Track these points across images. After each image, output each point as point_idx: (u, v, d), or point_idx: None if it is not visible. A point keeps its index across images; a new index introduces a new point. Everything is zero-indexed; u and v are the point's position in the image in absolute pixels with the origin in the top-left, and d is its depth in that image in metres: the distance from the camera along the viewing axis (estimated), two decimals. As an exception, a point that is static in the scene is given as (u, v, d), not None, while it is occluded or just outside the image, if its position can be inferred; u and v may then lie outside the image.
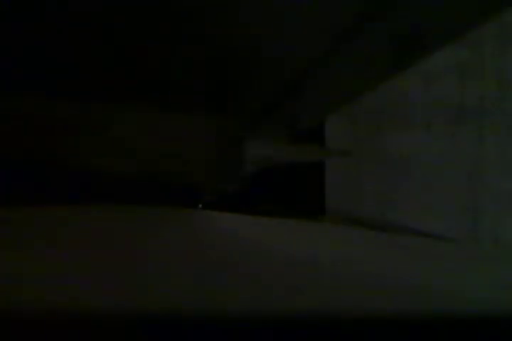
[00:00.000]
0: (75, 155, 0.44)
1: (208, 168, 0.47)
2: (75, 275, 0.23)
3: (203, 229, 0.37)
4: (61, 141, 0.43)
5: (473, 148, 1.35)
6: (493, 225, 1.35)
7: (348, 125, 1.32)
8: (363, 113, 1.33)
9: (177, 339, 0.20)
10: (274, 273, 0.25)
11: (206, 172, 0.47)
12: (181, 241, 0.31)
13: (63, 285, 0.22)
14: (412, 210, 1.33)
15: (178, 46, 0.40)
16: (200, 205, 0.50)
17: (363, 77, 0.49)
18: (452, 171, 1.34)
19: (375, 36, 0.39)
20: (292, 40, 0.40)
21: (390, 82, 0.50)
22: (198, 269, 0.25)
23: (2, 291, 0.20)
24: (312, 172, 1.13)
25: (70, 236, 0.30)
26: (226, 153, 0.48)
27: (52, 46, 0.39)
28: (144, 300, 0.21)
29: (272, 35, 0.39)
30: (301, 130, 0.64)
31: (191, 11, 0.36)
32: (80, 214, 0.36)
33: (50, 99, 0.43)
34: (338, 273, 0.26)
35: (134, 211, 0.38)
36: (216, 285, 0.23)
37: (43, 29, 0.37)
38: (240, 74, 0.45)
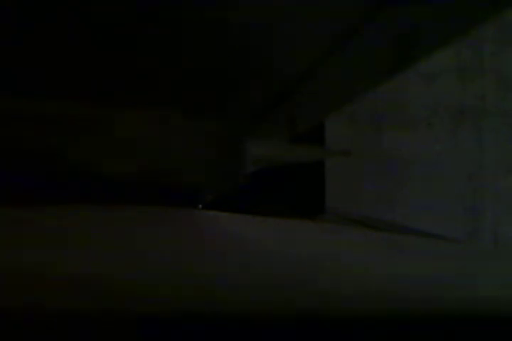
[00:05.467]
0: (74, 155, 0.44)
1: (208, 168, 0.47)
2: (75, 276, 0.23)
3: (203, 229, 0.37)
4: (61, 141, 0.43)
5: (473, 148, 1.35)
6: (493, 225, 1.35)
7: (348, 125, 1.32)
8: (362, 113, 1.33)
9: (177, 340, 0.20)
10: (274, 273, 0.25)
11: (206, 172, 0.47)
12: (181, 241, 0.31)
13: (63, 286, 0.22)
14: (412, 210, 1.33)
15: (178, 46, 0.40)
16: (200, 205, 0.50)
17: (363, 77, 0.49)
18: (452, 171, 1.34)
19: (375, 36, 0.39)
20: (292, 40, 0.40)
21: (390, 82, 0.50)
22: (198, 269, 0.25)
23: (2, 291, 0.21)
24: (312, 172, 1.13)
25: (70, 236, 0.30)
26: (226, 153, 0.48)
27: (52, 46, 0.39)
28: (144, 301, 0.21)
29: (272, 35, 0.39)
30: (301, 130, 0.64)
31: (191, 11, 0.36)
32: (79, 214, 0.36)
33: (50, 99, 0.43)
34: (338, 273, 0.26)
35: (133, 211, 0.38)
36: (216, 285, 0.23)
37: (42, 29, 0.37)
38: (240, 74, 0.45)
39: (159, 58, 0.42)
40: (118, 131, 0.44)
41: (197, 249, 0.29)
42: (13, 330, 0.19)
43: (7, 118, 0.41)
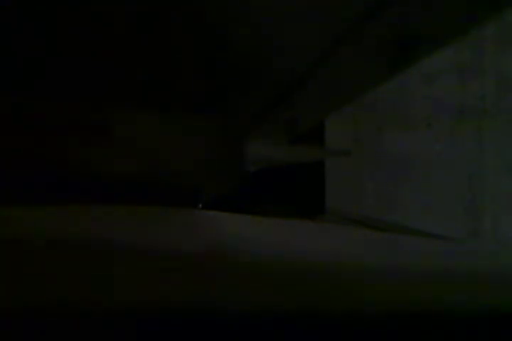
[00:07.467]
0: (74, 155, 0.44)
1: (208, 168, 0.47)
2: (75, 275, 0.23)
3: (203, 229, 0.37)
4: (61, 141, 0.43)
5: (473, 148, 1.35)
6: (493, 225, 1.35)
7: (348, 125, 1.32)
8: (363, 113, 1.33)
9: (176, 339, 0.20)
10: (274, 273, 0.25)
11: (206, 172, 0.47)
12: (181, 241, 0.31)
13: (63, 285, 0.22)
14: (412, 210, 1.33)
15: (178, 46, 0.40)
16: (200, 205, 0.50)
17: (362, 77, 0.49)
18: (452, 171, 1.34)
19: (375, 36, 0.39)
20: (292, 40, 0.40)
21: (390, 82, 0.50)
22: (198, 269, 0.25)
23: (3, 291, 0.21)
24: (312, 172, 1.13)
25: (70, 236, 0.30)
26: (226, 153, 0.48)
27: (52, 46, 0.39)
28: (144, 300, 0.21)
29: (272, 35, 0.39)
30: (301, 130, 0.64)
31: (191, 12, 0.36)
32: (79, 214, 0.36)
33: (50, 99, 0.43)
34: (338, 273, 0.26)
35: (134, 211, 0.38)
36: (216, 285, 0.23)
37: (42, 28, 0.37)
38: (240, 74, 0.45)
39: (159, 59, 0.42)
40: (118, 131, 0.44)
41: (197, 248, 0.29)
42: (13, 328, 0.19)
43: (7, 118, 0.41)
